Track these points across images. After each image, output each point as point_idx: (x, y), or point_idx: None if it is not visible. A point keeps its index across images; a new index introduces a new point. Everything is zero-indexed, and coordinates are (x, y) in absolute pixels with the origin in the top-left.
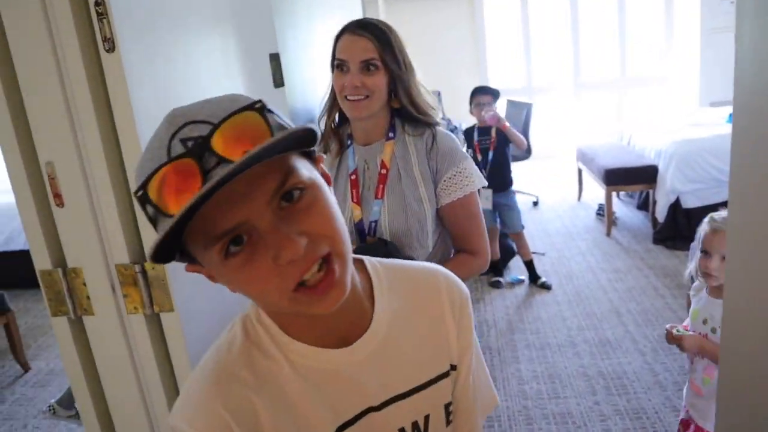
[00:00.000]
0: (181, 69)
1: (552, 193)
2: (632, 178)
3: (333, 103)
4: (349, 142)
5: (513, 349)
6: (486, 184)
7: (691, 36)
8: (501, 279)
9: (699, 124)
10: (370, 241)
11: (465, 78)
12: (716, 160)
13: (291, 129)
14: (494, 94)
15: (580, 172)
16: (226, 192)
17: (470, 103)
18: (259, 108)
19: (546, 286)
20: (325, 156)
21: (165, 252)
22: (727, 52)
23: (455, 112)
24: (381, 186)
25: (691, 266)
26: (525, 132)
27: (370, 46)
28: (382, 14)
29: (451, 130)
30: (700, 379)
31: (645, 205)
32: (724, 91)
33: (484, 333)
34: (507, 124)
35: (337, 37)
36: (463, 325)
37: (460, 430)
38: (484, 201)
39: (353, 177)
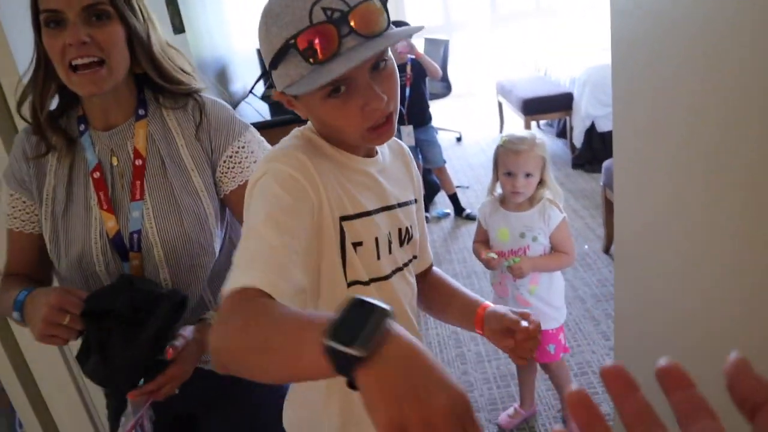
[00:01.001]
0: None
1: (475, 128)
2: (549, 107)
3: (44, 81)
4: (81, 128)
5: None
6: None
7: None
8: (427, 214)
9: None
10: (135, 259)
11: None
12: None
13: (402, 29)
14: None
15: (500, 105)
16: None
17: None
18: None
19: (471, 217)
20: (50, 160)
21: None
22: None
23: None
24: (138, 182)
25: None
26: (444, 69)
27: None
28: None
29: None
30: (527, 290)
31: (564, 133)
32: None
33: None
34: (420, 51)
35: None
36: (415, 173)
37: (422, 251)
38: (406, 137)
39: (96, 175)
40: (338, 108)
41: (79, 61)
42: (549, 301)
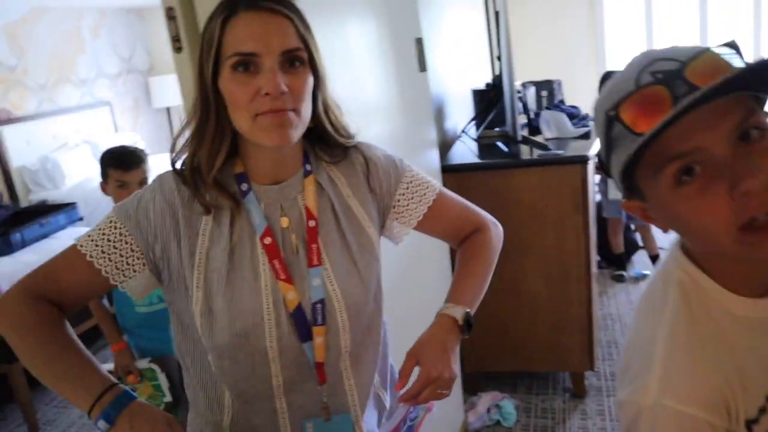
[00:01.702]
0: (339, 48)
1: None
2: None
3: (215, 134)
4: (244, 187)
5: None
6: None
7: None
8: (624, 273)
9: None
10: (319, 335)
11: (583, 67)
12: None
13: (755, 62)
14: None
15: None
16: (691, 118)
17: (599, 90)
18: (735, 47)
19: None
20: (204, 219)
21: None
22: None
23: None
24: (314, 246)
25: None
26: None
27: (292, 30)
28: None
29: (583, 118)
30: None
31: None
32: None
33: (609, 327)
34: None
35: (225, 19)
36: None
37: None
38: (614, 191)
39: (267, 241)
40: (693, 198)
41: (273, 110)
42: None
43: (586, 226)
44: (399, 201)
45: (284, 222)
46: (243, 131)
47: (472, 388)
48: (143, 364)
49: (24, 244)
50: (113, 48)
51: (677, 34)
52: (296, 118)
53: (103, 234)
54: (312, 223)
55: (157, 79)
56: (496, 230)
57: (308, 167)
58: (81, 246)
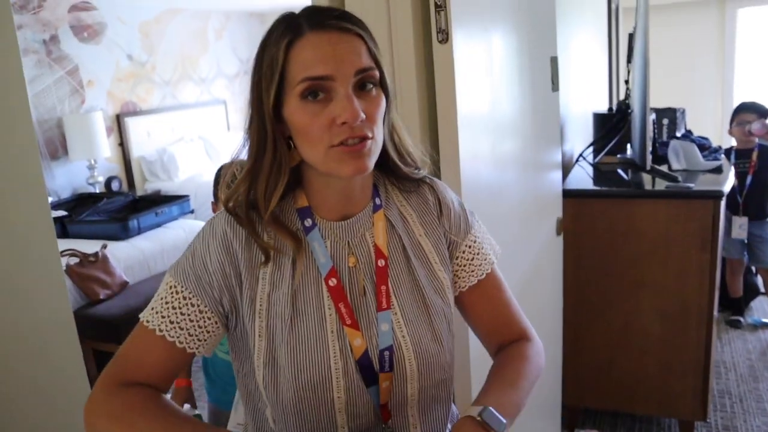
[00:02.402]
0: (482, 61)
1: None
2: None
3: (274, 168)
4: (308, 222)
5: (758, 399)
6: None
7: None
8: (741, 318)
9: None
10: (385, 381)
11: (708, 95)
12: None
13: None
14: (761, 111)
15: None
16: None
17: (731, 122)
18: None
19: None
20: (264, 269)
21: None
22: None
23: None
24: (383, 288)
25: None
26: None
27: (364, 49)
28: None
29: (714, 151)
30: None
31: None
32: None
33: (722, 375)
34: None
35: (289, 42)
36: None
37: None
38: (738, 230)
39: (333, 282)
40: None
41: (353, 141)
42: None
43: (713, 266)
44: (464, 253)
45: (351, 261)
46: (315, 163)
47: (569, 424)
48: (189, 410)
49: (140, 231)
50: (233, 50)
51: None
52: (373, 146)
53: (167, 303)
54: (381, 263)
55: None
56: (540, 346)
57: (378, 201)
58: (148, 322)
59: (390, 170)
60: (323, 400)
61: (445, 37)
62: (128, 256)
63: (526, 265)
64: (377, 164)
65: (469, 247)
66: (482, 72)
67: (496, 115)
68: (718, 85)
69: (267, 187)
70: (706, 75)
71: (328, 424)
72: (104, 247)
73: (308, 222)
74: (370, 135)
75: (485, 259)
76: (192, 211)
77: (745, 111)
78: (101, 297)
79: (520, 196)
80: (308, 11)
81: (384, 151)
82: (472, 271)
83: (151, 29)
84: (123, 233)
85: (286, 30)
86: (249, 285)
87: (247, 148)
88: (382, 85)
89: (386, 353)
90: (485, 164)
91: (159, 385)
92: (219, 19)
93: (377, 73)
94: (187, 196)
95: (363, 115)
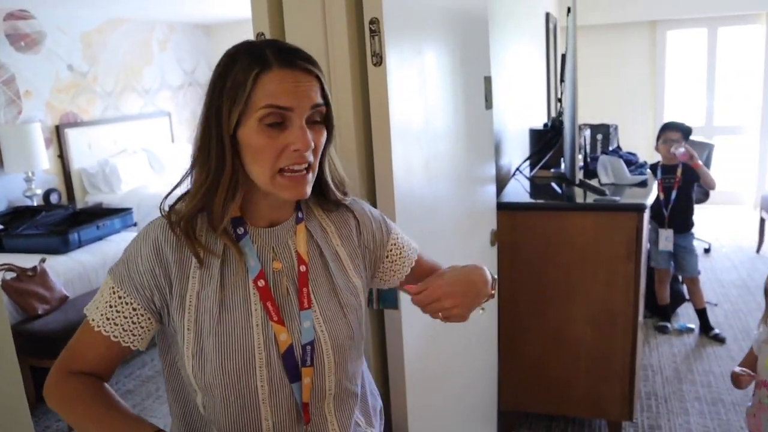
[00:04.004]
0: (416, 77)
1: (727, 242)
2: None
3: (231, 186)
4: (240, 230)
5: (681, 399)
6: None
7: None
8: (668, 324)
9: None
10: (307, 376)
11: (640, 112)
12: None
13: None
14: (685, 131)
15: (762, 221)
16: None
17: (657, 139)
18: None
19: (719, 339)
20: (194, 262)
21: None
22: None
23: (629, 147)
24: (305, 290)
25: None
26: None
27: (318, 88)
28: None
29: (640, 166)
30: None
31: None
32: None
33: (649, 378)
34: (699, 162)
35: (258, 73)
36: None
37: None
38: (664, 242)
39: (261, 284)
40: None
41: (298, 168)
42: None
43: (637, 274)
44: (391, 251)
45: (277, 265)
46: (260, 182)
47: (506, 427)
48: None
49: (80, 245)
50: (178, 61)
51: (740, 84)
52: (311, 174)
53: (106, 301)
54: (303, 268)
55: None
56: None
57: (300, 215)
58: (92, 320)
59: (320, 192)
60: (247, 389)
61: (379, 60)
62: (68, 269)
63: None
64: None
65: (395, 244)
66: (416, 92)
67: (430, 132)
68: (650, 102)
69: (225, 201)
70: (639, 93)
71: (252, 416)
72: (43, 261)
73: (240, 230)
74: (311, 161)
75: (410, 249)
76: (135, 224)
77: (670, 129)
78: (39, 312)
79: (455, 209)
80: (276, 48)
81: (320, 177)
82: (403, 263)
83: (92, 39)
84: (63, 247)
85: (253, 62)
86: (179, 284)
87: (197, 165)
88: (328, 120)
89: (308, 347)
90: (419, 179)
91: (101, 375)
92: (163, 30)
93: (325, 109)
94: (130, 208)
95: (313, 145)
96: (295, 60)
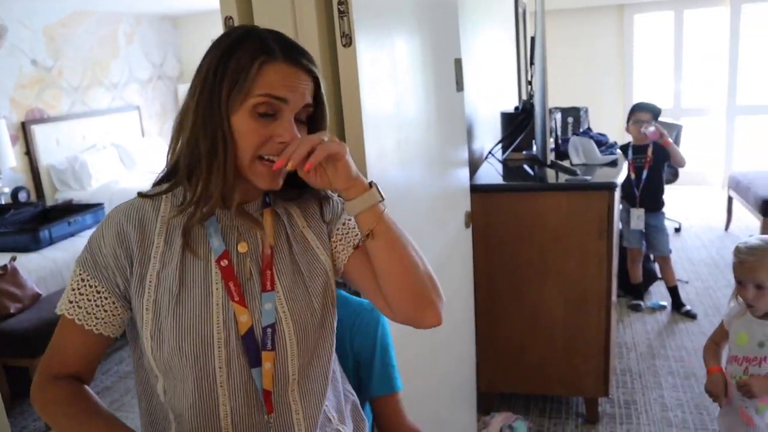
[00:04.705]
0: (386, 61)
1: (697, 221)
2: None
3: (229, 165)
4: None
5: (655, 374)
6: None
7: None
8: (641, 303)
9: None
10: (267, 361)
11: (610, 95)
12: None
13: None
14: (654, 111)
15: (730, 200)
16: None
17: (627, 120)
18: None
19: (691, 315)
20: (156, 242)
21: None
22: None
23: (599, 129)
24: (269, 272)
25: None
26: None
27: (310, 88)
28: (537, 27)
29: (611, 146)
30: (754, 407)
31: None
32: None
33: (623, 355)
34: (670, 140)
35: (262, 62)
36: None
37: None
38: (636, 221)
39: (224, 263)
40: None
41: (273, 158)
42: None
43: (609, 253)
44: (339, 230)
45: (242, 247)
46: (237, 166)
47: (485, 408)
48: None
49: (52, 242)
50: (145, 54)
51: (706, 66)
52: (285, 169)
53: (73, 289)
54: (268, 251)
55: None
56: None
57: (267, 200)
58: (66, 312)
59: (287, 180)
60: (204, 371)
61: (348, 41)
62: (40, 267)
63: (434, 258)
64: None
65: (344, 224)
66: (386, 73)
67: (401, 115)
68: (619, 85)
69: (225, 180)
70: (608, 76)
71: (210, 400)
72: (13, 259)
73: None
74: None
75: (356, 232)
76: None
77: (640, 110)
78: (11, 311)
79: (428, 192)
80: (283, 41)
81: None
82: (348, 242)
83: (56, 33)
84: (33, 244)
85: (260, 50)
86: (139, 263)
87: (186, 149)
88: (316, 120)
89: (269, 330)
90: (392, 162)
91: (83, 375)
92: (129, 22)
93: (312, 110)
94: (101, 204)
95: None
96: (301, 59)
